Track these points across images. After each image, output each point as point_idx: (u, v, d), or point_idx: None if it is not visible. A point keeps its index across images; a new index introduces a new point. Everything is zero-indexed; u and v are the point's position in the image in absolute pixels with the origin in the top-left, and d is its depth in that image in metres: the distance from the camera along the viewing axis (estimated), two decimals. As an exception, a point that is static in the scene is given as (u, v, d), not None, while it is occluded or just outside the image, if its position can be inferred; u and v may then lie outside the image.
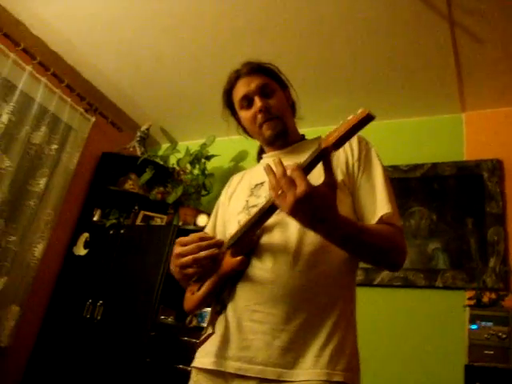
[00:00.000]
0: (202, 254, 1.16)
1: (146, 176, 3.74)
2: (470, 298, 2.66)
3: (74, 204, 3.80)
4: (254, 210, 1.19)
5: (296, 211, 0.97)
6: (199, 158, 3.70)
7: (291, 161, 1.01)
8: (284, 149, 1.45)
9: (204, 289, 1.24)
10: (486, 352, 2.35)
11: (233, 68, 3.30)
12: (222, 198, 1.56)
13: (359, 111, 0.88)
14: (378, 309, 2.95)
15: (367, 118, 0.87)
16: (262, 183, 1.37)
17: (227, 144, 3.97)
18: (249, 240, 1.21)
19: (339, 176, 1.28)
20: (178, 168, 3.79)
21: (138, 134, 4.07)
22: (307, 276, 1.18)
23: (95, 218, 3.78)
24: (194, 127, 4.15)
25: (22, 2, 3.00)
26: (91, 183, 3.96)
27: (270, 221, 1.16)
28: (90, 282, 3.45)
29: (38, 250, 3.33)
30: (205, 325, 2.88)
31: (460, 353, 2.49)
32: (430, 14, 2.63)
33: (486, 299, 2.62)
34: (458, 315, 2.68)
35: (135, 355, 3.02)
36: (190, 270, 1.18)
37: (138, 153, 3.98)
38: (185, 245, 1.19)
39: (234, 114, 1.52)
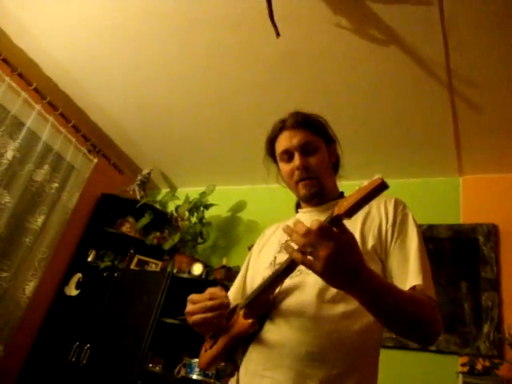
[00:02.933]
0: (209, 315, 1.15)
1: (144, 221, 3.75)
2: (463, 365, 2.64)
3: (69, 243, 3.79)
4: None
5: (330, 267, 0.92)
6: (198, 206, 3.72)
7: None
8: (319, 206, 1.41)
9: (216, 347, 1.24)
10: (479, 422, 2.32)
11: (234, 119, 3.41)
12: (254, 249, 1.56)
13: (374, 178, 0.87)
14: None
15: (380, 187, 0.85)
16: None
17: (226, 193, 4.03)
18: (264, 301, 1.19)
19: (370, 241, 1.23)
20: (176, 214, 3.80)
21: (139, 177, 4.11)
22: (319, 342, 1.13)
23: (89, 259, 3.76)
24: (195, 174, 4.20)
25: (38, 43, 3.09)
26: (88, 223, 3.96)
27: (288, 282, 1.16)
28: (79, 324, 3.39)
29: (29, 288, 3.29)
30: (194, 376, 2.84)
31: (452, 421, 2.45)
32: (431, 82, 2.73)
33: (479, 366, 2.59)
34: (451, 380, 2.64)
35: (120, 404, 2.94)
36: (203, 329, 1.20)
37: (138, 196, 4.01)
38: (195, 303, 1.19)
39: (276, 161, 1.50)
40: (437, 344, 2.84)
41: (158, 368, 3.09)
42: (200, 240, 3.73)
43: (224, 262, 3.50)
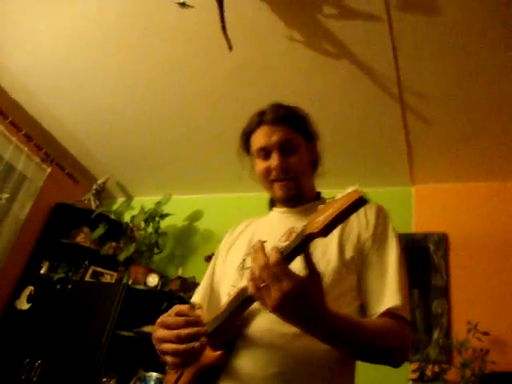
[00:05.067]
0: (182, 347, 1.03)
1: (99, 231, 3.70)
2: (413, 371, 2.70)
3: (21, 255, 3.68)
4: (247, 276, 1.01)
5: (281, 308, 0.87)
6: (153, 216, 3.69)
7: (301, 221, 0.92)
8: (295, 207, 1.32)
9: (182, 382, 1.13)
10: (428, 427, 2.37)
11: (190, 129, 3.37)
12: (222, 246, 1.46)
13: (349, 191, 0.79)
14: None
15: (358, 203, 0.77)
16: (264, 242, 1.20)
17: (182, 203, 4.02)
18: (230, 327, 1.08)
19: (348, 252, 1.17)
20: (131, 225, 3.76)
21: (94, 186, 4.05)
22: (289, 361, 1.06)
23: (42, 271, 3.66)
24: (151, 183, 4.17)
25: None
26: (42, 234, 3.86)
27: (255, 304, 1.02)
28: (30, 339, 3.29)
29: (-22, 302, 3.19)
30: (148, 391, 2.80)
31: (403, 427, 2.50)
32: (382, 94, 2.80)
33: (429, 372, 2.66)
34: (402, 387, 2.70)
35: (71, 421, 2.88)
36: (169, 359, 1.07)
37: (93, 206, 3.94)
38: (168, 327, 1.08)
39: (250, 154, 1.40)
40: (389, 351, 2.90)
41: (112, 383, 3.04)
42: (156, 250, 3.70)
43: (180, 272, 3.48)
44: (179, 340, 1.03)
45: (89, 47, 2.86)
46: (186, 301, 3.16)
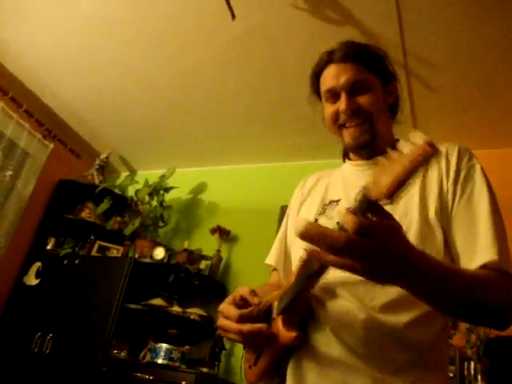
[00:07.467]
0: (246, 340, 0.99)
1: (104, 206, 3.70)
2: (420, 337, 2.74)
3: (27, 231, 3.70)
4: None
5: (376, 273, 0.71)
6: (158, 189, 3.69)
7: None
8: (371, 159, 1.15)
9: (261, 364, 1.05)
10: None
11: (192, 101, 3.34)
12: (293, 203, 1.33)
13: (418, 141, 0.60)
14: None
15: (430, 156, 0.60)
16: (337, 201, 1.13)
17: (186, 176, 4.01)
18: (302, 301, 0.98)
19: (431, 207, 1.00)
20: (136, 199, 3.76)
21: (97, 161, 4.04)
22: (366, 343, 0.94)
23: (49, 247, 3.69)
24: (154, 157, 4.15)
25: (-17, 25, 2.97)
26: (46, 211, 3.87)
27: (329, 276, 0.86)
28: (41, 313, 3.33)
29: (-14, 279, 3.22)
30: (159, 361, 2.84)
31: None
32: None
33: (435, 337, 2.70)
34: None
35: (85, 391, 2.93)
36: (241, 342, 1.03)
37: (97, 181, 3.94)
38: (227, 317, 0.99)
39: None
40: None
41: (123, 354, 3.09)
42: (161, 224, 3.71)
43: (186, 245, 3.50)
44: (241, 335, 0.97)
45: (87, 21, 2.83)
46: (192, 273, 3.19)
